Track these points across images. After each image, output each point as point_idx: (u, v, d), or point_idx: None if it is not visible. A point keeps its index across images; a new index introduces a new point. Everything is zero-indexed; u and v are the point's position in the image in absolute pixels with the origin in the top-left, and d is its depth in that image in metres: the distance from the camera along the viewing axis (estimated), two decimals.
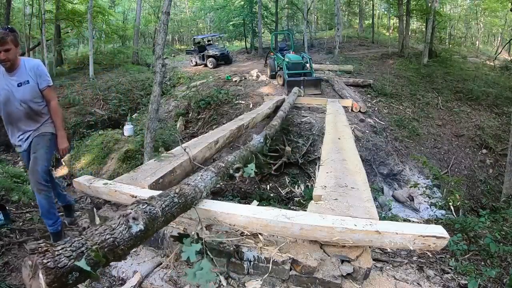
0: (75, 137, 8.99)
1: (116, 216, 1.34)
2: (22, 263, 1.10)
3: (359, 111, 8.64)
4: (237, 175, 2.40)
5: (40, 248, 1.01)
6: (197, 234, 1.76)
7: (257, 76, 11.49)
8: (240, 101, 9.22)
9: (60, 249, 1.04)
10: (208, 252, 1.66)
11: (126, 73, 13.54)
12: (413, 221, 4.63)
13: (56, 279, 0.97)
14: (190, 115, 9.59)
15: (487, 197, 6.94)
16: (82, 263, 1.04)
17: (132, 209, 1.39)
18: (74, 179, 2.47)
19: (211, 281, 1.56)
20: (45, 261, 0.98)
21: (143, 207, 1.43)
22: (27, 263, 1.00)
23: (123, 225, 1.27)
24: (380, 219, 1.88)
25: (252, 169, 2.47)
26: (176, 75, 13.97)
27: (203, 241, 1.68)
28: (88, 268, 1.04)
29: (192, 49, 16.57)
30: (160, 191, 1.80)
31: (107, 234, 1.20)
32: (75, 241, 1.12)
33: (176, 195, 1.69)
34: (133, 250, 2.17)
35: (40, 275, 0.96)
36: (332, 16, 22.02)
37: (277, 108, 7.05)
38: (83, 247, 1.10)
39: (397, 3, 15.67)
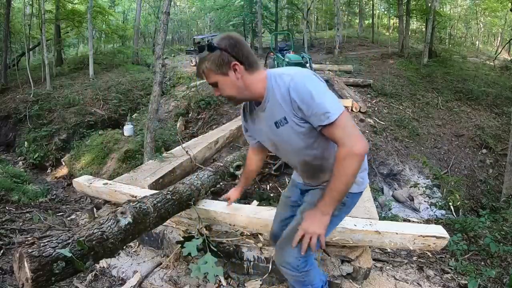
0: (75, 137, 9.01)
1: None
2: (12, 258, 1.13)
3: (359, 111, 8.63)
4: (238, 173, 2.40)
5: (27, 241, 1.06)
6: (198, 230, 1.76)
7: None
8: None
9: (46, 241, 1.08)
10: (211, 246, 1.64)
11: (126, 73, 13.52)
12: (413, 221, 4.63)
13: (40, 267, 1.00)
14: (190, 115, 9.58)
15: (487, 197, 6.93)
16: (64, 251, 1.06)
17: (122, 206, 1.44)
18: (74, 179, 2.47)
19: (218, 274, 1.53)
20: (30, 250, 1.01)
21: (133, 204, 1.47)
22: (16, 256, 1.03)
23: (112, 219, 1.31)
24: (380, 219, 1.89)
25: None
26: (176, 75, 13.94)
27: (205, 236, 1.67)
28: (69, 254, 1.06)
29: (192, 49, 16.55)
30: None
31: (95, 228, 1.24)
32: (62, 234, 1.14)
33: (169, 192, 1.71)
34: (128, 246, 2.18)
35: (26, 263, 0.99)
36: (332, 16, 21.97)
37: None
38: (70, 240, 1.12)
39: (397, 3, 15.65)
